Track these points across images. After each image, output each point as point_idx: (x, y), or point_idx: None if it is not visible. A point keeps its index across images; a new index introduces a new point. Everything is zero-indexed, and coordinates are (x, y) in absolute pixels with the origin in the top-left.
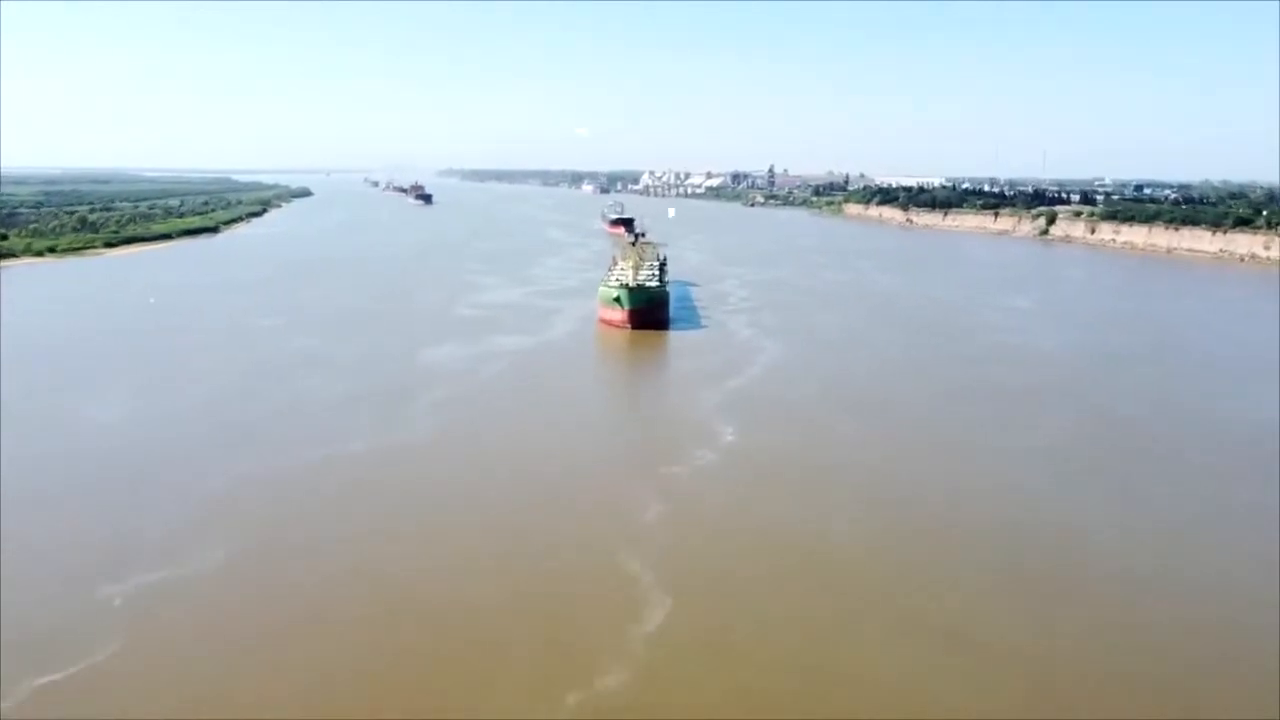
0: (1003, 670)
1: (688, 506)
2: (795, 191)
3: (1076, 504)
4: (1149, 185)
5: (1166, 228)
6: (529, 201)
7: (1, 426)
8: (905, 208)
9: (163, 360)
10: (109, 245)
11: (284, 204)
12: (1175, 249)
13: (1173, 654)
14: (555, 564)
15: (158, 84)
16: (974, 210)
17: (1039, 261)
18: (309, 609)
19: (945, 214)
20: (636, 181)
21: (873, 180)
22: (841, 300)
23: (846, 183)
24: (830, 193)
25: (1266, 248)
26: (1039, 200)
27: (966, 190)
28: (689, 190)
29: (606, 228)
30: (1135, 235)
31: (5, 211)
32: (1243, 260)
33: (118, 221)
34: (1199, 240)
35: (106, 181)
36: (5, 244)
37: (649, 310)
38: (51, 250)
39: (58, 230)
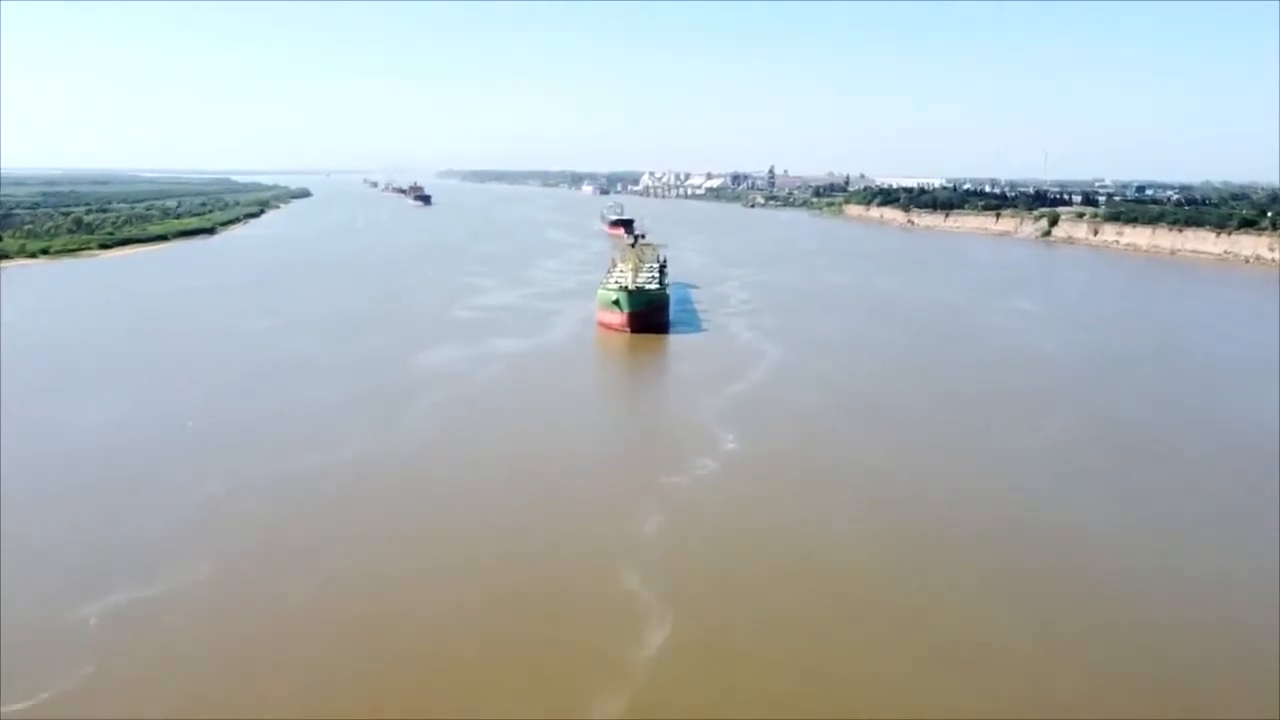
0: (1003, 670)
1: (688, 519)
2: (795, 192)
3: (1077, 504)
4: (1150, 186)
5: (1170, 229)
6: (528, 202)
7: (1, 427)
8: (906, 209)
9: (151, 370)
10: (104, 247)
11: (282, 205)
12: (1179, 251)
13: (1173, 654)
14: (554, 572)
15: (158, 84)
16: (975, 211)
17: (1042, 263)
18: (308, 610)
19: (947, 215)
20: (636, 182)
21: (873, 181)
22: (843, 303)
23: (847, 183)
24: (831, 194)
25: (1271, 249)
26: (1040, 201)
27: (968, 191)
28: (689, 191)
29: (606, 229)
30: (1139, 237)
31: (1, 213)
32: (1247, 262)
33: (113, 223)
34: (1203, 242)
35: (105, 182)
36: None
37: (649, 313)
38: (45, 252)
39: (52, 231)
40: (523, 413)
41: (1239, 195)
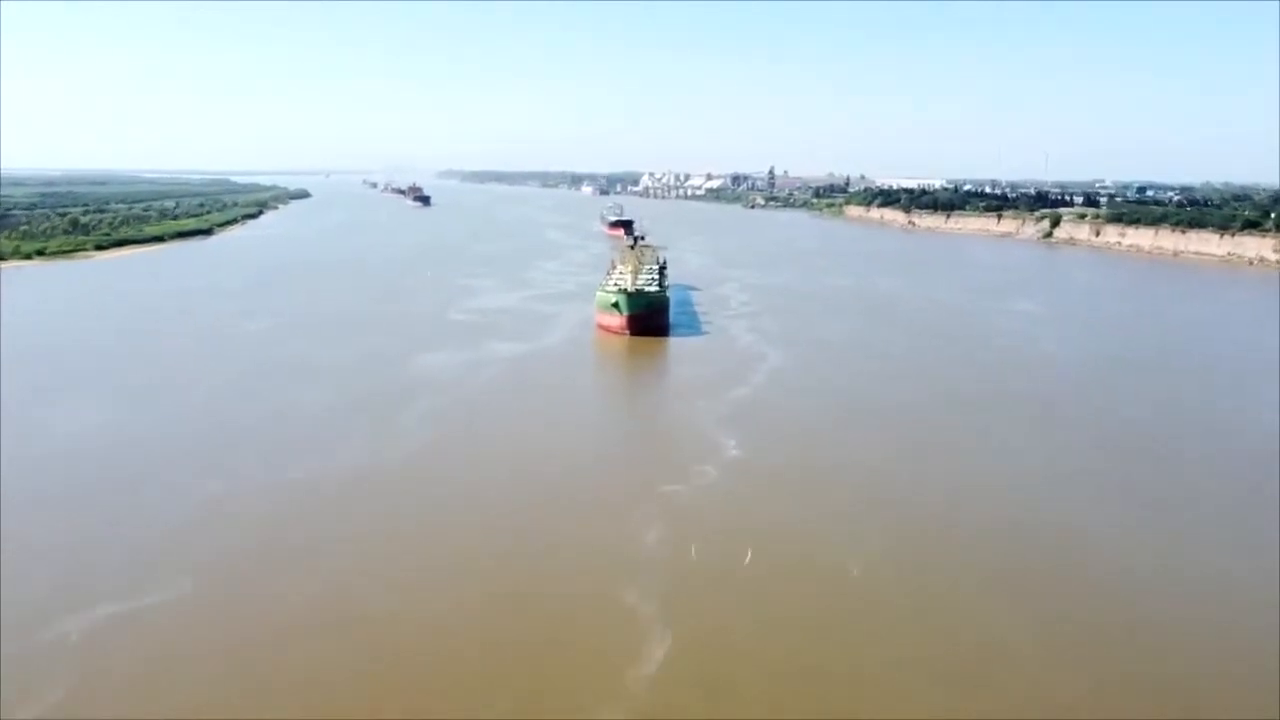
0: (1003, 670)
1: (688, 522)
2: (796, 193)
3: (1077, 504)
4: (1151, 187)
5: (1173, 230)
6: (528, 203)
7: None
8: (907, 210)
9: (150, 371)
10: (100, 248)
11: (281, 206)
12: (1182, 252)
13: (1173, 654)
14: (554, 572)
15: (158, 84)
16: (977, 212)
17: (1044, 265)
18: (308, 610)
19: (948, 216)
20: (636, 183)
21: (873, 182)
22: (844, 304)
23: (847, 184)
24: (831, 194)
25: (1276, 251)
26: (1042, 202)
27: (968, 192)
28: (689, 192)
29: (605, 230)
30: (1141, 238)
31: None
32: (1251, 263)
33: (110, 223)
34: (1206, 243)
35: (104, 183)
36: None
37: (648, 316)
38: (40, 253)
39: (49, 232)
40: (522, 415)
41: (1240, 196)
